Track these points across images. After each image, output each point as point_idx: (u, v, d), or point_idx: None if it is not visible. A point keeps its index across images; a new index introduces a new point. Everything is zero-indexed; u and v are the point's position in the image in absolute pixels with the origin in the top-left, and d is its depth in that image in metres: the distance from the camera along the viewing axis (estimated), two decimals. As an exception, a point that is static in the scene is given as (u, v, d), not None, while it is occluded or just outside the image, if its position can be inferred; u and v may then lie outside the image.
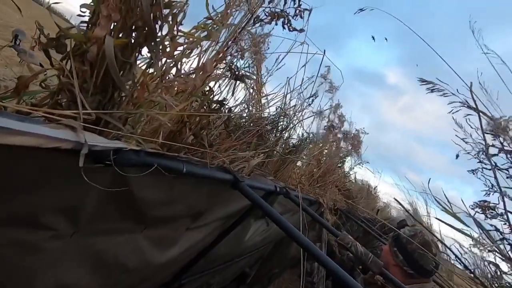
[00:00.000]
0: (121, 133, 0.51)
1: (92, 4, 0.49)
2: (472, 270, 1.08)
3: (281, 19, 0.90)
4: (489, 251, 0.97)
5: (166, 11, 0.55)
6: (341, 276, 0.80)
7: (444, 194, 1.13)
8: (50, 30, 0.54)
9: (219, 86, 0.96)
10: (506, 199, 1.04)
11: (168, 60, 0.62)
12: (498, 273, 1.07)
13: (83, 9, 0.51)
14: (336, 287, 1.96)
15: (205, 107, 0.78)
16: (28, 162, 0.43)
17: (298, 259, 1.43)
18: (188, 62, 0.71)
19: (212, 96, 0.77)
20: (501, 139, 1.08)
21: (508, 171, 1.10)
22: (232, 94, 0.97)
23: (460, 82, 1.09)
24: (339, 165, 2.93)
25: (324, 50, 1.36)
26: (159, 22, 0.53)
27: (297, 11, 0.94)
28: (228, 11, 0.76)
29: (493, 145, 1.13)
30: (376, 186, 5.24)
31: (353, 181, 4.40)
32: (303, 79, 1.51)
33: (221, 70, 0.81)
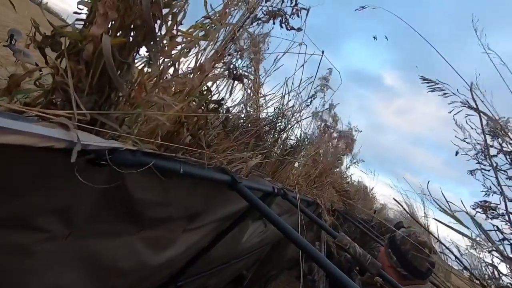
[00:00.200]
0: (117, 133, 0.50)
1: (89, 1, 0.48)
2: (471, 271, 1.08)
3: (279, 18, 0.90)
4: (488, 251, 0.97)
5: (165, 11, 0.54)
6: (339, 277, 0.80)
7: (443, 195, 1.13)
8: (47, 29, 0.53)
9: (217, 87, 0.95)
10: (507, 200, 1.04)
11: (166, 60, 0.61)
12: (496, 274, 1.07)
13: (80, 6, 0.50)
14: None
15: (202, 107, 0.77)
16: (20, 162, 0.42)
17: (295, 261, 1.43)
18: (186, 61, 0.70)
19: (210, 96, 0.76)
20: (500, 139, 1.09)
21: (507, 172, 1.11)
22: (230, 95, 0.97)
23: (457, 84, 1.10)
24: (335, 164, 2.93)
25: (323, 51, 1.36)
26: (159, 22, 0.52)
27: (294, 10, 0.94)
28: (227, 10, 0.75)
29: (492, 146, 1.14)
30: (373, 187, 5.26)
31: (350, 182, 4.42)
32: (301, 79, 1.51)
33: (219, 69, 0.80)
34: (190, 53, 0.67)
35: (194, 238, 1.08)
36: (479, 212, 1.06)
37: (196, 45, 0.68)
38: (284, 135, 1.63)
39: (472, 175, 1.20)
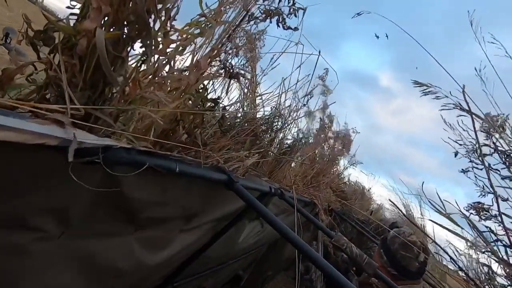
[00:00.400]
0: (111, 130, 0.49)
1: (82, -4, 0.48)
2: (466, 272, 1.09)
3: (276, 17, 0.90)
4: (483, 252, 0.98)
5: (159, 6, 0.53)
6: (336, 277, 0.79)
7: (439, 196, 1.14)
8: (42, 27, 0.52)
9: (213, 85, 0.95)
10: (499, 201, 1.05)
11: (161, 57, 0.61)
12: (491, 274, 1.08)
13: (73, 2, 0.50)
14: None
15: (199, 106, 0.77)
16: (12, 159, 0.41)
17: (292, 261, 1.43)
18: (181, 59, 0.70)
19: (206, 94, 0.75)
20: (495, 138, 1.09)
21: (500, 171, 1.11)
22: (226, 93, 0.96)
23: (450, 85, 1.11)
24: (331, 164, 2.93)
25: (319, 51, 1.36)
26: (153, 17, 0.52)
27: (291, 10, 0.94)
28: (222, 8, 0.74)
29: (485, 145, 1.14)
30: (370, 188, 5.28)
31: (347, 182, 4.43)
32: (298, 79, 1.51)
33: (215, 67, 0.80)
34: (186, 51, 0.66)
35: (191, 238, 1.07)
36: (472, 213, 1.07)
37: (192, 43, 0.68)
38: (281, 135, 1.63)
39: (464, 173, 1.21)
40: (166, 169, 0.63)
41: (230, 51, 0.81)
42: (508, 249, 0.90)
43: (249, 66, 1.33)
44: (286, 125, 1.58)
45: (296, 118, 1.65)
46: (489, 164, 1.05)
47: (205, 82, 0.79)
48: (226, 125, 1.02)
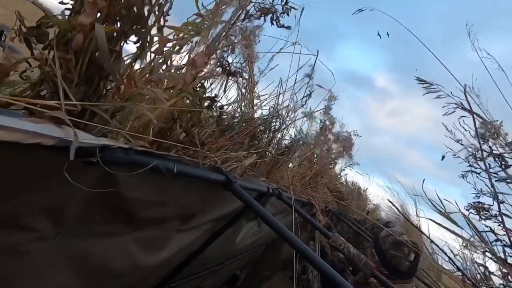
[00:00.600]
0: (107, 128, 0.48)
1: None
2: (463, 271, 1.09)
3: (270, 15, 0.90)
4: (482, 252, 0.98)
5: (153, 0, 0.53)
6: (332, 276, 0.79)
7: (438, 196, 1.15)
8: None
9: (210, 84, 0.94)
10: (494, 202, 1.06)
11: (157, 57, 0.60)
12: (487, 274, 1.08)
13: (66, -1, 0.49)
14: None
15: (196, 104, 0.76)
16: (7, 158, 0.40)
17: (289, 261, 1.43)
18: (177, 58, 0.69)
19: (203, 92, 0.75)
20: (490, 143, 1.10)
21: (497, 174, 1.12)
22: (224, 92, 0.96)
23: (451, 85, 1.11)
24: (330, 166, 2.94)
25: (318, 51, 1.36)
26: (146, 12, 0.51)
27: (284, 8, 0.94)
28: (219, 8, 0.74)
29: (482, 149, 1.15)
30: (367, 188, 5.30)
31: (344, 183, 4.44)
32: (296, 80, 1.51)
33: (212, 65, 0.80)
34: (182, 50, 0.66)
35: (188, 238, 1.06)
36: (472, 213, 1.07)
37: (189, 42, 0.67)
38: (279, 135, 1.63)
39: (463, 178, 1.21)
40: (164, 170, 0.63)
41: (226, 49, 0.80)
42: (507, 249, 0.91)
43: (247, 66, 1.33)
44: (284, 125, 1.58)
45: (294, 119, 1.65)
46: (489, 166, 1.06)
47: (203, 81, 0.78)
48: (223, 124, 1.01)
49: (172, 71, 0.65)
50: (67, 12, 0.49)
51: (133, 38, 0.53)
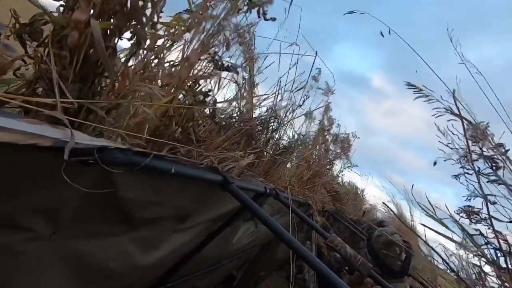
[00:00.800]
0: (103, 127, 0.48)
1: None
2: (457, 272, 1.10)
3: (256, 8, 0.90)
4: (473, 255, 0.99)
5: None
6: (329, 276, 0.80)
7: (427, 199, 1.15)
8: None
9: (204, 81, 0.93)
10: (489, 204, 1.07)
11: (149, 53, 0.60)
12: (482, 275, 1.09)
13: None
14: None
15: (190, 99, 0.76)
16: (4, 159, 0.40)
17: (285, 261, 1.43)
18: (171, 54, 0.69)
19: (197, 88, 0.75)
20: (481, 144, 1.11)
21: (488, 176, 1.13)
22: (218, 87, 0.96)
23: (442, 87, 1.12)
24: (328, 167, 2.94)
25: (316, 52, 1.37)
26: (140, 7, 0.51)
27: None
28: (208, 3, 0.74)
29: (473, 151, 1.16)
30: (364, 189, 5.32)
31: (341, 183, 4.45)
32: (294, 80, 1.51)
33: (205, 61, 0.80)
34: (175, 46, 0.66)
35: (185, 238, 1.06)
36: (463, 217, 1.09)
37: (181, 38, 0.67)
38: (277, 135, 1.63)
39: (457, 179, 1.22)
40: (161, 170, 0.62)
41: (219, 45, 0.80)
42: (497, 252, 0.92)
43: (247, 66, 1.33)
44: (282, 125, 1.58)
45: (292, 118, 1.65)
46: (479, 168, 1.07)
47: (197, 78, 0.78)
48: (218, 117, 1.01)
49: (166, 68, 0.65)
50: (62, 9, 0.49)
51: (127, 34, 0.53)
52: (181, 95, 0.75)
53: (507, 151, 1.10)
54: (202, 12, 0.72)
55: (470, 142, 1.13)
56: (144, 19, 0.52)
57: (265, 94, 1.42)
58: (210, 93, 0.84)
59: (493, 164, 1.10)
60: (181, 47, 0.73)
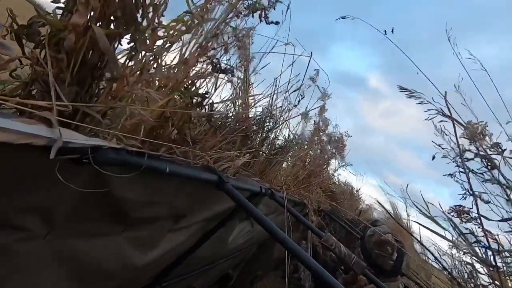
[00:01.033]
0: (99, 129, 0.48)
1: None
2: (450, 271, 1.12)
3: (258, 12, 0.91)
4: (464, 253, 1.01)
5: (147, 1, 0.53)
6: (324, 276, 0.80)
7: (423, 198, 1.17)
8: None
9: (202, 82, 0.94)
10: (480, 203, 1.09)
11: (147, 54, 0.60)
12: (474, 273, 1.11)
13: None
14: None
15: (188, 104, 0.76)
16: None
17: (281, 261, 1.44)
18: (169, 56, 0.70)
19: (193, 90, 0.75)
20: (477, 143, 1.13)
21: (483, 175, 1.15)
22: (215, 89, 0.96)
23: (441, 87, 1.14)
24: (323, 167, 2.96)
25: (311, 52, 1.37)
26: (140, 12, 0.51)
27: (270, 3, 0.95)
28: (208, 5, 0.74)
29: (469, 150, 1.18)
30: (359, 188, 5.34)
31: (337, 183, 4.47)
32: (289, 80, 1.52)
33: (204, 63, 0.80)
34: (173, 48, 0.66)
35: (180, 238, 1.06)
36: (453, 216, 1.11)
37: (179, 39, 0.68)
38: (272, 135, 1.63)
39: (451, 177, 1.24)
40: (156, 170, 0.63)
41: (218, 48, 0.81)
42: (487, 250, 0.94)
43: (242, 66, 1.33)
44: (278, 125, 1.59)
45: (287, 118, 1.66)
46: (469, 168, 1.09)
47: (195, 80, 0.78)
48: (214, 120, 1.02)
49: (164, 69, 0.65)
50: (59, 11, 0.49)
51: (126, 38, 0.53)
52: (179, 97, 0.75)
53: (503, 150, 1.12)
54: (203, 14, 0.72)
55: (466, 141, 1.16)
56: (144, 23, 0.52)
57: (260, 94, 1.42)
58: (207, 95, 0.84)
59: (489, 164, 1.12)
60: (179, 48, 0.73)
